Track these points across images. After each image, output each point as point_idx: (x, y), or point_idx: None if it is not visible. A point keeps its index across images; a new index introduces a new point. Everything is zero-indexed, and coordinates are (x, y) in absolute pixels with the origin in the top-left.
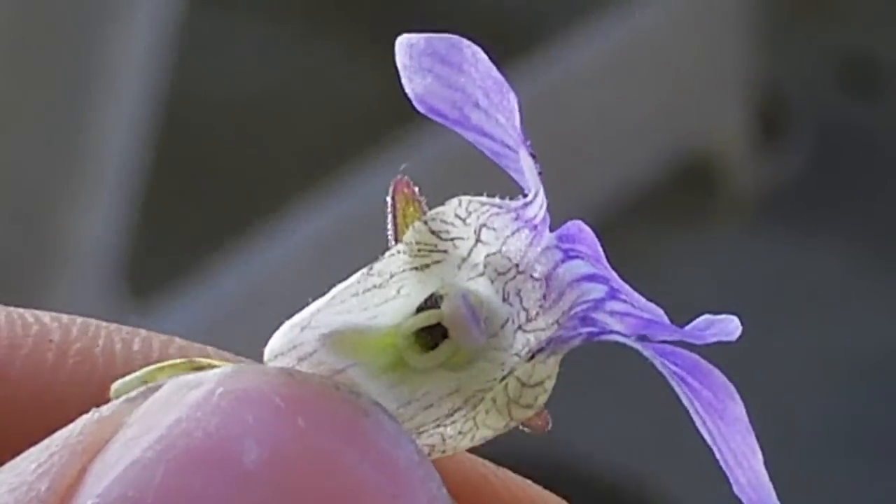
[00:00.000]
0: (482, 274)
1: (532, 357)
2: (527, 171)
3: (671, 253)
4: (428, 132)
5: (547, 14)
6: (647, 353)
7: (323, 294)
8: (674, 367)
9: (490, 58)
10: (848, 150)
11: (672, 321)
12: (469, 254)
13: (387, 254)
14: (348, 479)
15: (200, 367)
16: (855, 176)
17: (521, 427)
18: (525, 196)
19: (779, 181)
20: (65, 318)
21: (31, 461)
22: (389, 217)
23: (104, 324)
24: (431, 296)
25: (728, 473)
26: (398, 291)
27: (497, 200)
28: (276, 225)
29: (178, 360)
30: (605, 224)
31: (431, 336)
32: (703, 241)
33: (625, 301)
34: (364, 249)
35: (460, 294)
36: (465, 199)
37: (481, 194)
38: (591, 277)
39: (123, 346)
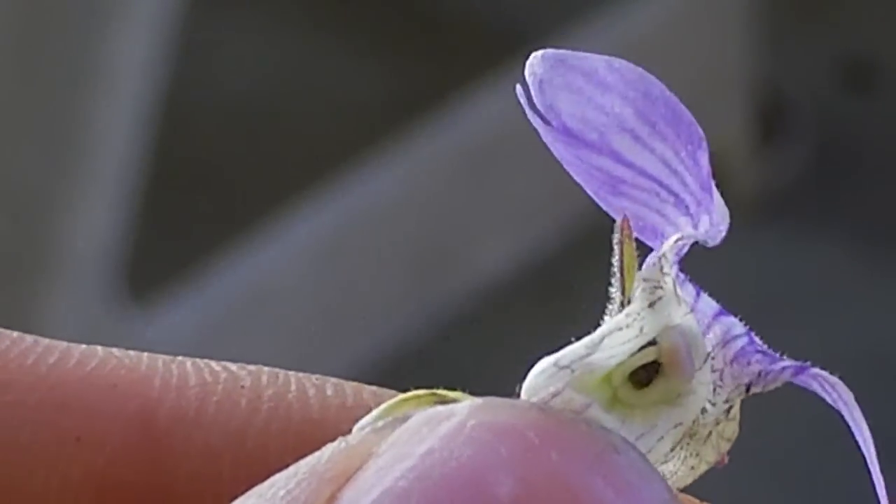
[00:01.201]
0: (691, 311)
1: (748, 390)
2: (718, 207)
3: None
4: (428, 132)
5: (545, 15)
6: (832, 388)
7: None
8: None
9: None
10: (848, 150)
11: None
12: (676, 291)
13: (636, 294)
14: None
15: (444, 400)
16: (855, 176)
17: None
18: (696, 240)
19: (779, 181)
20: (252, 367)
21: (279, 488)
22: (616, 257)
23: (292, 372)
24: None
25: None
26: (641, 330)
27: (692, 237)
28: (276, 225)
29: (422, 392)
30: (606, 224)
31: (646, 374)
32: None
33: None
34: (364, 249)
35: (678, 330)
36: (677, 235)
37: (486, 192)
38: (724, 313)
39: (316, 391)
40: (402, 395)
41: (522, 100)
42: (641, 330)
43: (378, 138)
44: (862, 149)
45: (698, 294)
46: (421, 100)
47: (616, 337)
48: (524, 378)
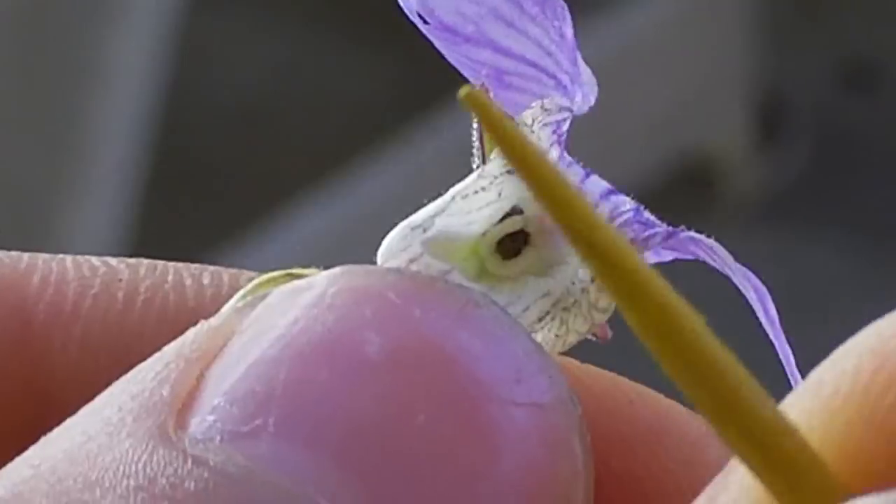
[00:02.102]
0: None
1: None
2: (585, 77)
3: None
4: (428, 132)
5: None
6: (711, 251)
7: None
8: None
9: None
10: (847, 150)
11: None
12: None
13: (492, 156)
14: (469, 368)
15: (300, 276)
16: (854, 176)
17: (589, 337)
18: (565, 108)
19: (779, 181)
20: (132, 260)
21: (148, 371)
22: (475, 123)
23: (172, 263)
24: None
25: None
26: (499, 194)
27: (560, 106)
28: (276, 225)
29: (277, 273)
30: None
31: (514, 244)
32: None
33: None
34: (364, 249)
35: None
36: (539, 104)
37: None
38: (614, 192)
39: (193, 280)
40: (259, 279)
41: (402, 4)
42: (500, 194)
43: (378, 138)
44: (861, 149)
45: (587, 175)
46: (421, 100)
47: (473, 200)
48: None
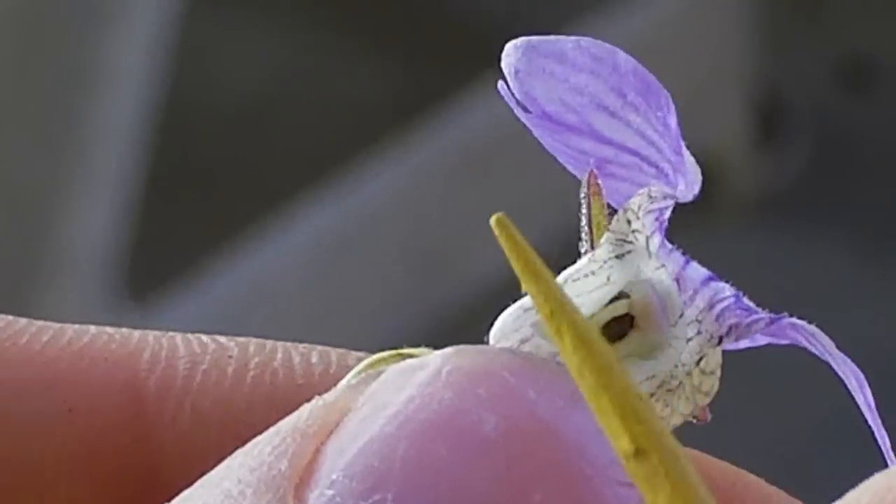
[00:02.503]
0: (663, 265)
1: (720, 342)
2: (689, 166)
3: None
4: (428, 132)
5: (546, 15)
6: (812, 338)
7: (322, 293)
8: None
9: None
10: (847, 149)
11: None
12: (647, 245)
13: (602, 240)
14: (582, 448)
15: (412, 356)
16: (854, 175)
17: (691, 419)
18: (670, 196)
19: (778, 181)
20: (241, 339)
21: (265, 445)
22: (584, 208)
23: (280, 342)
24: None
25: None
26: (608, 279)
27: (665, 193)
28: (275, 225)
29: (387, 353)
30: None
31: (619, 327)
32: (704, 240)
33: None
34: (364, 249)
35: (649, 283)
36: (646, 192)
37: (485, 192)
38: (714, 279)
39: (302, 358)
40: (370, 358)
41: (504, 93)
42: (609, 278)
43: (378, 138)
44: (861, 149)
45: (687, 262)
46: (421, 100)
47: (583, 284)
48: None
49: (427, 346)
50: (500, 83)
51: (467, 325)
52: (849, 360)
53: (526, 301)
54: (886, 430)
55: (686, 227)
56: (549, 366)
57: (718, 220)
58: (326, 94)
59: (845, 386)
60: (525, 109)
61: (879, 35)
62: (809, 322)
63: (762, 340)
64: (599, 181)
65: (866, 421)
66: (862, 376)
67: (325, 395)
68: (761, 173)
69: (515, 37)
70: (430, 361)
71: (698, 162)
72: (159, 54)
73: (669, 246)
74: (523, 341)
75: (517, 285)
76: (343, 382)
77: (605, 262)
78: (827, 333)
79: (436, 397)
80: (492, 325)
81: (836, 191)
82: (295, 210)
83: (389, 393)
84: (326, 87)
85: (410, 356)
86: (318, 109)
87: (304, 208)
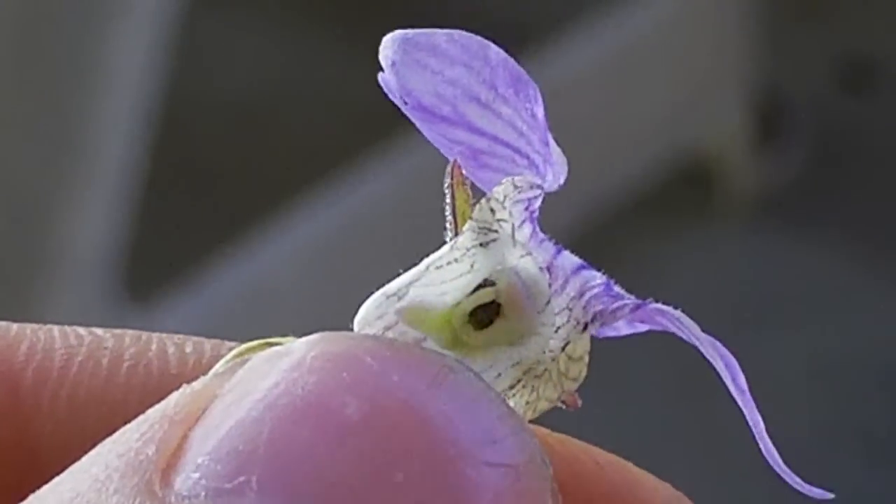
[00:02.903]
0: (529, 254)
1: (585, 328)
2: (556, 157)
3: (671, 252)
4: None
5: (546, 14)
6: (678, 322)
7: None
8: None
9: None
10: (847, 150)
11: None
12: (513, 234)
13: (465, 228)
14: (445, 429)
15: (279, 345)
16: (854, 176)
17: (559, 405)
18: (536, 185)
19: (778, 181)
20: (117, 330)
21: (133, 432)
22: (448, 198)
23: (156, 333)
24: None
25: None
26: (472, 266)
27: (530, 183)
28: (275, 225)
29: (255, 343)
30: (606, 224)
31: (486, 314)
32: (704, 240)
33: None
34: (364, 249)
35: (514, 271)
36: (510, 181)
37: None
38: (585, 267)
39: (176, 349)
40: (239, 347)
41: (384, 84)
42: (472, 266)
43: (378, 138)
44: (860, 149)
45: (559, 251)
46: None
47: (447, 271)
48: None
49: None
50: (380, 75)
51: None
52: (718, 344)
53: (389, 288)
54: (886, 429)
55: (686, 228)
56: (412, 349)
57: (718, 220)
58: (326, 94)
59: (714, 369)
60: (403, 101)
61: (879, 35)
62: (808, 322)
63: (641, 328)
64: (463, 171)
65: (737, 404)
66: (733, 360)
67: (193, 384)
68: (761, 173)
69: (515, 37)
70: (296, 348)
71: (698, 162)
72: (159, 54)
73: (542, 235)
74: (387, 328)
75: None
76: (212, 371)
77: (468, 249)
78: (825, 332)
79: (300, 382)
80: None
81: (836, 191)
82: (295, 210)
83: (255, 379)
84: (326, 87)
85: (278, 344)
86: (318, 109)
87: (304, 208)
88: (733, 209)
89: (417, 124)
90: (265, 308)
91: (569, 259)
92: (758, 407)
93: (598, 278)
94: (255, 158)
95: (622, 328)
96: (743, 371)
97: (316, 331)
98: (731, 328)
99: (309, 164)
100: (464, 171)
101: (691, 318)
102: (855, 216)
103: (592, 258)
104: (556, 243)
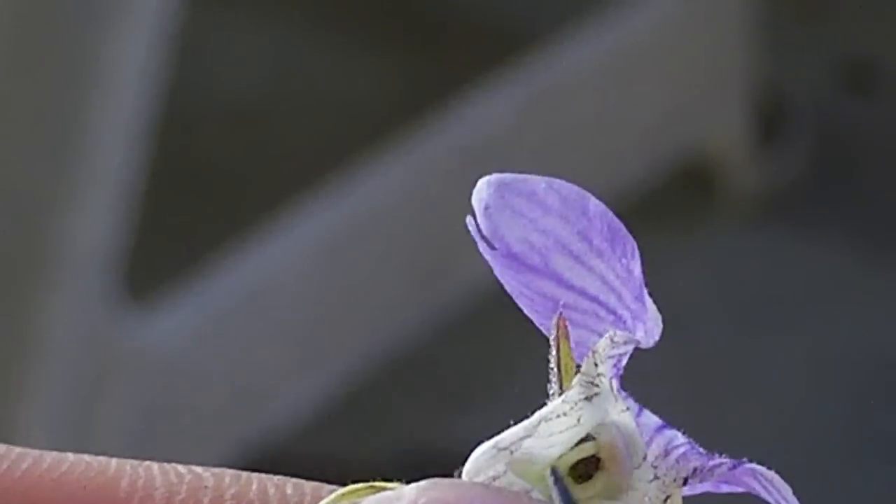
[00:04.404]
0: (628, 409)
1: (685, 483)
2: (650, 314)
3: (671, 253)
4: (428, 132)
5: (545, 14)
6: (770, 484)
7: (325, 297)
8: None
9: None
10: (847, 150)
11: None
12: (611, 388)
13: (574, 382)
14: None
15: (383, 489)
16: (854, 176)
17: None
18: (630, 342)
19: (779, 181)
20: (216, 469)
21: None
22: (553, 350)
23: (255, 473)
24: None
25: None
26: (578, 420)
27: (628, 339)
28: (275, 225)
29: (359, 486)
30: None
31: (586, 468)
32: (704, 240)
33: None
34: (364, 249)
35: (615, 426)
36: (611, 334)
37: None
38: (666, 427)
39: (276, 490)
40: (341, 490)
41: (472, 228)
42: (579, 420)
43: (378, 138)
44: (861, 149)
45: (640, 410)
46: (421, 100)
47: (554, 424)
48: (465, 462)
49: (429, 346)
50: (469, 218)
51: (467, 325)
52: None
53: (502, 440)
54: (889, 428)
55: (687, 228)
56: (522, 499)
57: (719, 221)
58: (326, 94)
59: None
60: (491, 246)
61: (880, 36)
62: (810, 322)
63: (723, 488)
64: (567, 325)
65: None
66: None
67: None
68: (762, 173)
69: (515, 37)
70: (405, 493)
71: (698, 163)
72: (159, 54)
73: (624, 393)
74: (495, 478)
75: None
76: None
77: (576, 403)
78: (826, 332)
79: None
80: (489, 328)
81: (836, 191)
82: (295, 210)
83: None
84: (326, 87)
85: (384, 488)
86: (318, 109)
87: (304, 208)
88: (734, 209)
89: (498, 273)
90: (265, 308)
91: (651, 417)
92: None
93: (680, 437)
94: (255, 158)
95: (702, 488)
96: (744, 372)
97: (316, 331)
98: (732, 328)
99: (309, 164)
100: (568, 325)
101: (692, 317)
102: (856, 216)
103: None
104: (636, 401)
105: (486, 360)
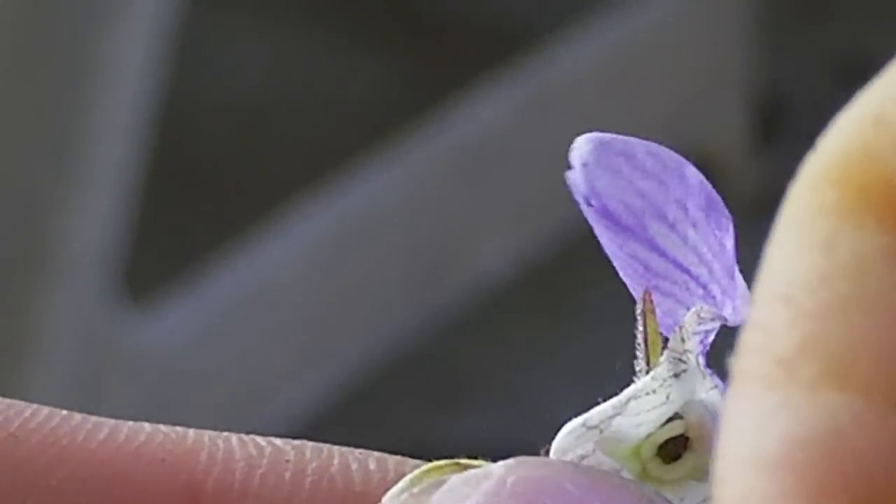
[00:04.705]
0: (716, 387)
1: None
2: (740, 291)
3: None
4: (428, 132)
5: (545, 14)
6: None
7: (330, 296)
8: None
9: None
10: None
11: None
12: (699, 365)
13: (662, 358)
14: None
15: (468, 467)
16: None
17: None
18: (719, 318)
19: (778, 181)
20: (297, 441)
21: None
22: (640, 325)
23: (336, 447)
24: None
25: None
26: (667, 397)
27: (714, 315)
28: (275, 225)
29: (444, 462)
30: None
31: (675, 447)
32: None
33: None
34: (364, 249)
35: (703, 404)
36: (696, 311)
37: (485, 193)
38: None
39: (359, 465)
40: (426, 466)
41: (572, 185)
42: (668, 397)
43: (378, 138)
44: None
45: (725, 388)
46: (421, 100)
47: (643, 402)
48: (552, 440)
49: (429, 346)
50: (568, 173)
51: (467, 325)
52: None
53: (590, 418)
54: None
55: None
56: (612, 478)
57: None
58: (326, 94)
59: None
60: (588, 203)
61: (879, 35)
62: None
63: None
64: (654, 299)
65: None
66: None
67: None
68: (761, 173)
69: (515, 37)
70: (494, 471)
71: (698, 162)
72: (159, 54)
73: (710, 370)
74: (583, 457)
75: (516, 286)
76: (395, 490)
77: (664, 380)
78: None
79: None
80: (492, 326)
81: None
82: (295, 210)
83: (455, 501)
84: (326, 87)
85: (469, 466)
86: (318, 109)
87: (304, 208)
88: (733, 209)
89: (597, 232)
90: (265, 308)
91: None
92: None
93: None
94: (255, 158)
95: None
96: None
97: (316, 331)
98: (732, 328)
99: (309, 164)
100: (654, 300)
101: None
102: None
103: (593, 259)
104: (723, 379)
105: (486, 359)
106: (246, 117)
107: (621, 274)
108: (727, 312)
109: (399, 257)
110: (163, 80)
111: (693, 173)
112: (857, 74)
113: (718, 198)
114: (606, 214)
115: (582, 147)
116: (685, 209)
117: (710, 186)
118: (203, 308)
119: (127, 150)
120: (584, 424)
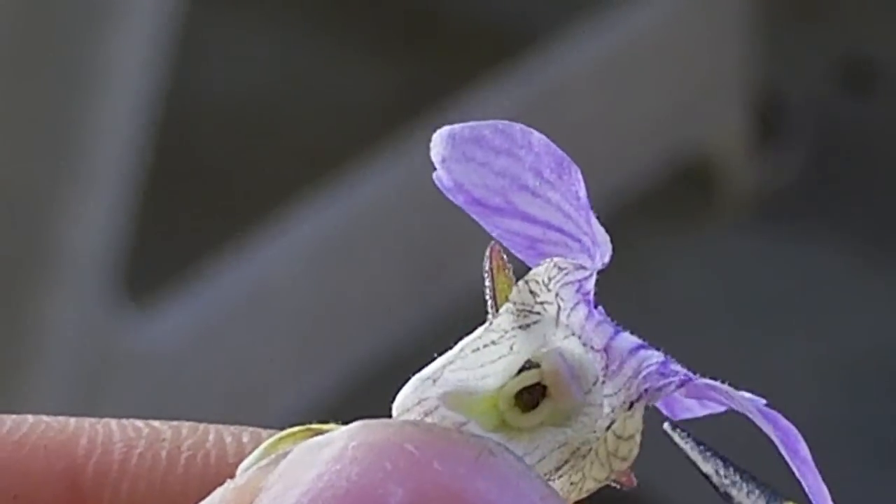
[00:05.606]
0: (574, 334)
1: (631, 406)
2: (599, 236)
3: (671, 253)
4: (428, 132)
5: (545, 14)
6: (727, 396)
7: (333, 299)
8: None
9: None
10: (847, 150)
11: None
12: (558, 315)
13: (501, 310)
14: None
15: (319, 432)
16: (854, 176)
17: (612, 483)
18: (580, 268)
19: (778, 182)
20: (174, 422)
21: None
22: (487, 281)
23: (212, 424)
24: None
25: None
26: (511, 348)
27: (575, 265)
28: (275, 225)
29: (296, 429)
30: (605, 224)
31: (531, 396)
32: (703, 240)
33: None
34: (364, 249)
35: (558, 352)
36: (551, 262)
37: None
38: (644, 346)
39: (234, 439)
40: (277, 434)
41: (438, 182)
42: (512, 348)
43: (377, 138)
44: (860, 149)
45: (616, 333)
46: (421, 100)
47: (485, 353)
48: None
49: (429, 345)
50: (434, 173)
51: (467, 326)
52: (775, 415)
53: (424, 372)
54: (886, 430)
55: (686, 228)
56: (451, 434)
57: (718, 221)
58: (326, 94)
59: (772, 440)
60: (456, 197)
61: (879, 35)
62: (810, 322)
63: (699, 410)
64: (504, 255)
65: (796, 474)
66: (792, 429)
67: (236, 479)
68: (761, 174)
69: (515, 37)
70: (336, 438)
71: (698, 163)
72: (159, 54)
73: (599, 317)
74: (427, 413)
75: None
76: (249, 459)
77: (506, 332)
78: (826, 333)
79: (343, 473)
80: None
81: (836, 191)
82: (295, 210)
83: (298, 471)
84: (326, 87)
85: (319, 432)
86: (318, 109)
87: (304, 208)
88: (733, 209)
89: (474, 216)
90: (265, 308)
91: (626, 340)
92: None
93: (654, 357)
94: (255, 158)
95: (695, 408)
96: (744, 371)
97: (316, 331)
98: (733, 329)
99: (309, 164)
100: (504, 256)
101: (692, 318)
102: (856, 216)
103: None
104: (615, 324)
105: None
106: (246, 117)
107: (510, 249)
108: (583, 260)
109: (398, 258)
110: (163, 80)
111: (538, 138)
112: (856, 75)
113: (564, 154)
114: (475, 202)
115: (437, 144)
116: (540, 175)
117: (554, 146)
118: (203, 308)
119: (127, 151)
120: (420, 378)
